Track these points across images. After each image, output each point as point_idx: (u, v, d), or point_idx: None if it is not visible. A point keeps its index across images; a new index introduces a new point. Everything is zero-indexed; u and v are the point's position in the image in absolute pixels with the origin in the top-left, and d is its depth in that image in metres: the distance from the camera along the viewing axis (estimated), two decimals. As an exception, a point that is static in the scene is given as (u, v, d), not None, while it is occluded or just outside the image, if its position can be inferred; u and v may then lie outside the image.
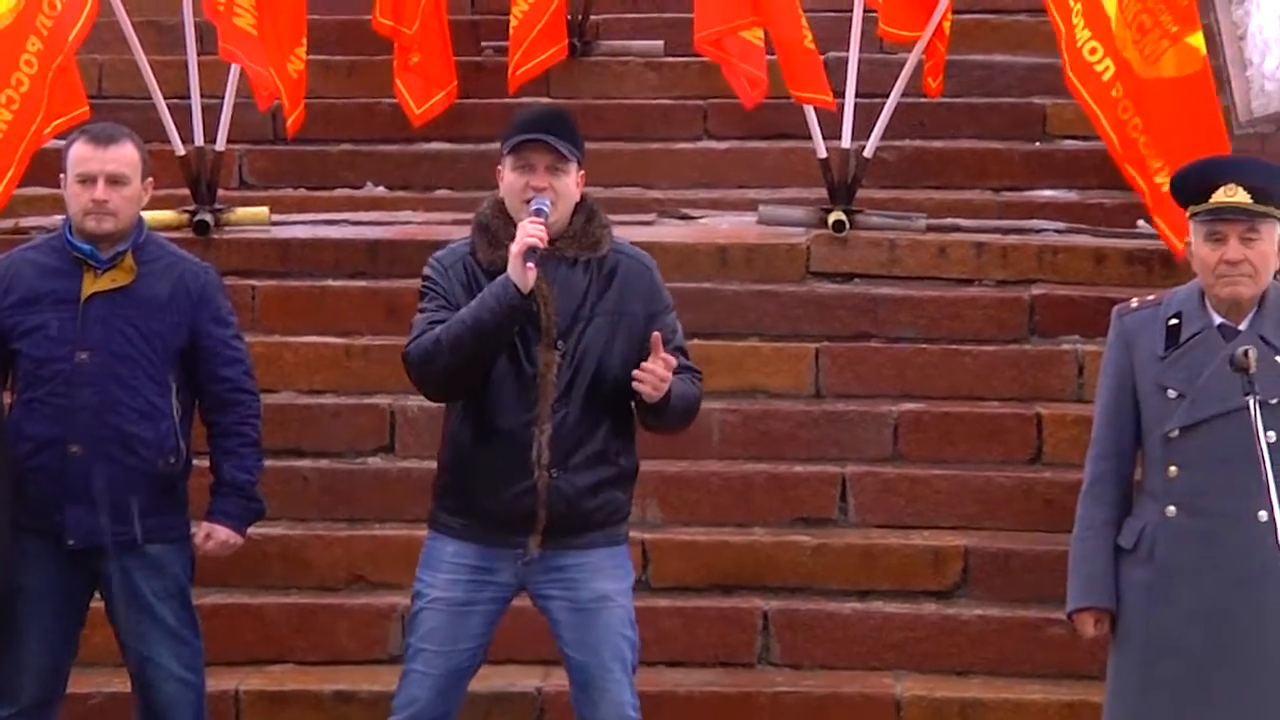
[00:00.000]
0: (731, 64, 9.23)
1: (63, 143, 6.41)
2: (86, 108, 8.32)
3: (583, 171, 5.85)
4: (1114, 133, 8.10)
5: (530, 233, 5.55)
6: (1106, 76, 8.07)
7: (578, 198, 5.81)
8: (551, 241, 5.65)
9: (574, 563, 5.78)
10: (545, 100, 10.54)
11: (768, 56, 9.39)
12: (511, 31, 9.88)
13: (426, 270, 5.87)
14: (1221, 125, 8.16)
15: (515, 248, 5.55)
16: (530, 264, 5.52)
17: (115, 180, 6.10)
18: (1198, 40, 8.05)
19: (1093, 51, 8.08)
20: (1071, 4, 8.10)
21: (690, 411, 5.86)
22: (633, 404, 5.78)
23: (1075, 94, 8.20)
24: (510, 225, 5.71)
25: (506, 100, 10.31)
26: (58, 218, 6.35)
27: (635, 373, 5.60)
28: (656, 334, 5.62)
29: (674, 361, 5.63)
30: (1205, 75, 8.08)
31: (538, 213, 5.62)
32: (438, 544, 5.86)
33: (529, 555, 5.75)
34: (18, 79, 7.99)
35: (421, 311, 5.79)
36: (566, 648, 5.84)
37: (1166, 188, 7.87)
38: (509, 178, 5.77)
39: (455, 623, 5.79)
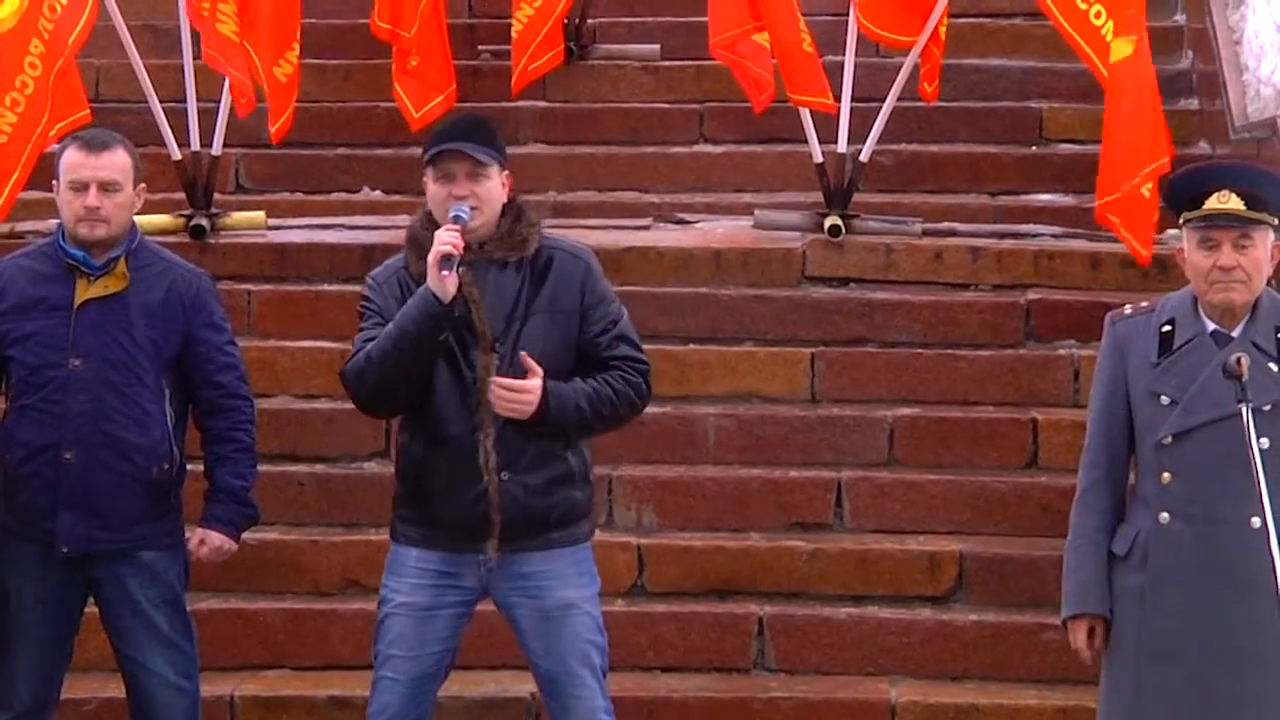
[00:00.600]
0: (744, 68, 9.22)
1: (57, 147, 6.42)
2: (87, 110, 8.33)
3: (507, 173, 5.85)
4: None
5: (444, 240, 5.59)
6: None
7: (504, 199, 5.82)
8: (481, 245, 5.70)
9: (537, 569, 5.79)
10: (542, 104, 10.56)
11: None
12: (515, 35, 9.84)
13: (363, 289, 5.94)
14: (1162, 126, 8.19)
15: (430, 256, 5.59)
16: (446, 271, 5.56)
17: (107, 187, 6.10)
18: (1124, 49, 8.06)
19: (1098, 16, 8.09)
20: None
21: (603, 415, 5.79)
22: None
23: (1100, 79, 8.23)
24: None
25: (504, 104, 10.32)
26: (54, 222, 6.35)
27: (490, 397, 5.63)
28: (523, 354, 5.65)
29: (516, 382, 5.62)
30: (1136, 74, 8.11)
31: (455, 220, 5.66)
32: (401, 550, 5.89)
33: (489, 560, 5.76)
34: (22, 81, 8.01)
35: (360, 331, 5.85)
36: (534, 656, 5.87)
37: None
38: (431, 189, 5.81)
39: (421, 627, 5.81)
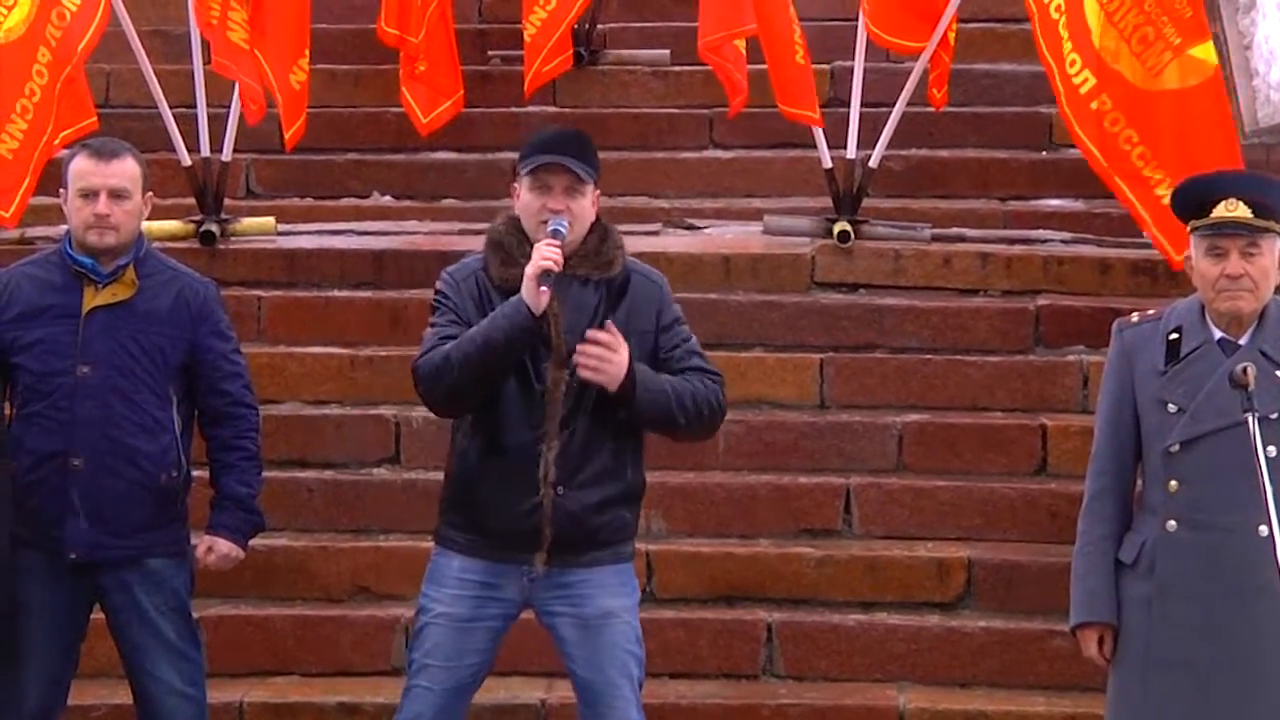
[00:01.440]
0: (727, 71, 9.22)
1: (65, 154, 6.43)
2: (95, 118, 8.34)
3: (599, 191, 5.85)
4: (1095, 146, 8.11)
5: (546, 255, 5.56)
6: (1085, 89, 8.08)
7: (593, 217, 5.81)
8: (565, 261, 5.65)
9: (579, 579, 5.78)
10: (552, 109, 10.55)
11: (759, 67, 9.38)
12: (528, 39, 9.83)
13: (439, 284, 5.88)
14: (1234, 137, 8.15)
15: (530, 270, 5.56)
16: (544, 287, 5.54)
17: (117, 194, 6.11)
18: (1205, 51, 8.03)
19: (1072, 64, 8.10)
20: (1055, 15, 8.12)
21: (687, 409, 5.74)
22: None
23: (1058, 103, 8.22)
24: (524, 243, 5.73)
25: (513, 109, 10.33)
26: (64, 228, 6.36)
27: (574, 358, 5.58)
28: (608, 323, 5.62)
29: (610, 337, 5.57)
30: (1214, 86, 8.07)
31: (554, 234, 5.63)
32: (444, 559, 5.87)
33: (535, 572, 5.76)
34: (31, 89, 8.03)
35: (432, 326, 5.80)
36: (573, 665, 5.84)
37: (1167, 200, 7.91)
38: (526, 198, 5.77)
39: (459, 639, 5.79)
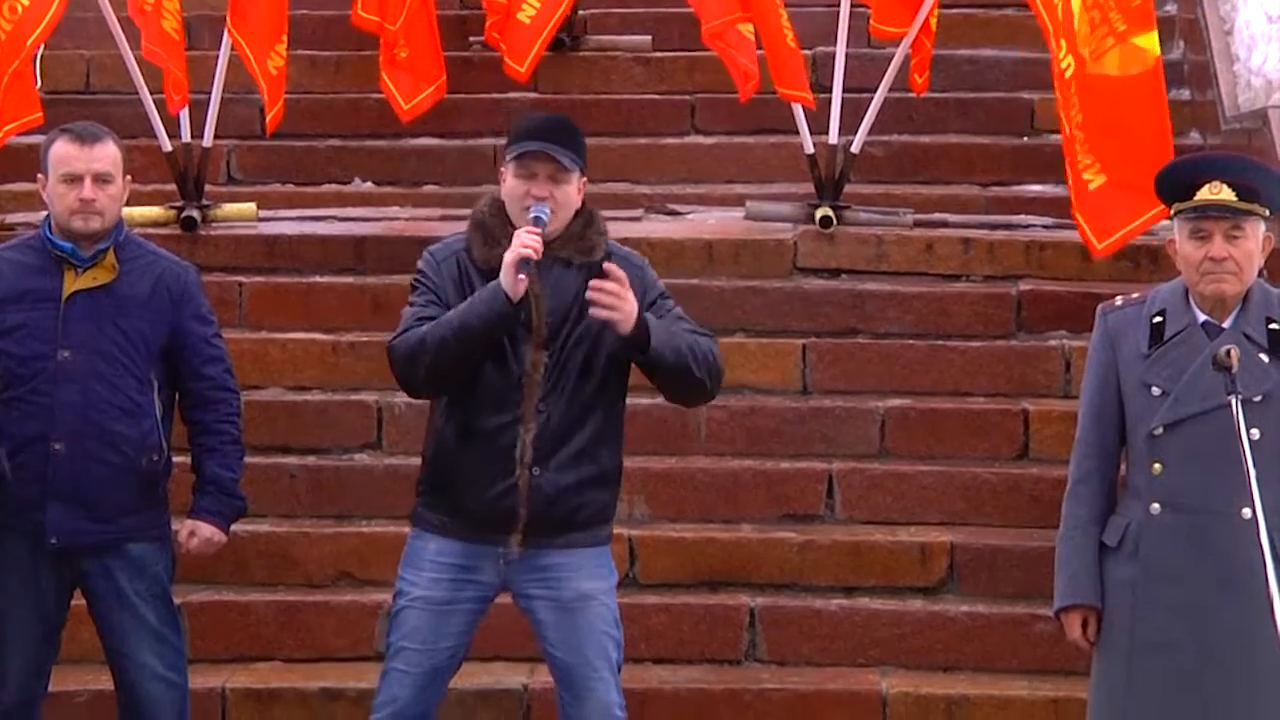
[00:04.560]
0: (733, 57, 9.21)
1: (39, 139, 6.39)
2: (40, 113, 8.31)
3: (585, 178, 5.85)
4: (1063, 127, 8.14)
5: (525, 243, 5.56)
6: (1069, 73, 8.08)
7: (578, 204, 5.81)
8: (547, 244, 5.66)
9: (556, 562, 5.78)
10: (533, 95, 10.53)
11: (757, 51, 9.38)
12: (527, 21, 9.72)
13: (419, 263, 5.88)
14: (1168, 129, 8.10)
15: (509, 256, 5.56)
16: (522, 275, 5.54)
17: (101, 179, 6.10)
18: (1148, 41, 8.02)
19: (1059, 45, 8.10)
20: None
21: (698, 359, 5.73)
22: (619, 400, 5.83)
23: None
24: (507, 225, 5.73)
25: (495, 95, 10.31)
26: (43, 214, 6.33)
27: (588, 295, 5.56)
28: (608, 265, 5.61)
29: (623, 274, 5.56)
30: (1152, 77, 8.05)
31: (535, 221, 5.64)
32: (420, 542, 5.87)
33: (511, 554, 5.76)
34: None
35: (410, 305, 5.81)
36: (550, 648, 5.84)
37: (1094, 185, 7.93)
38: (511, 183, 5.77)
39: (437, 622, 5.79)
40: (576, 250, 5.79)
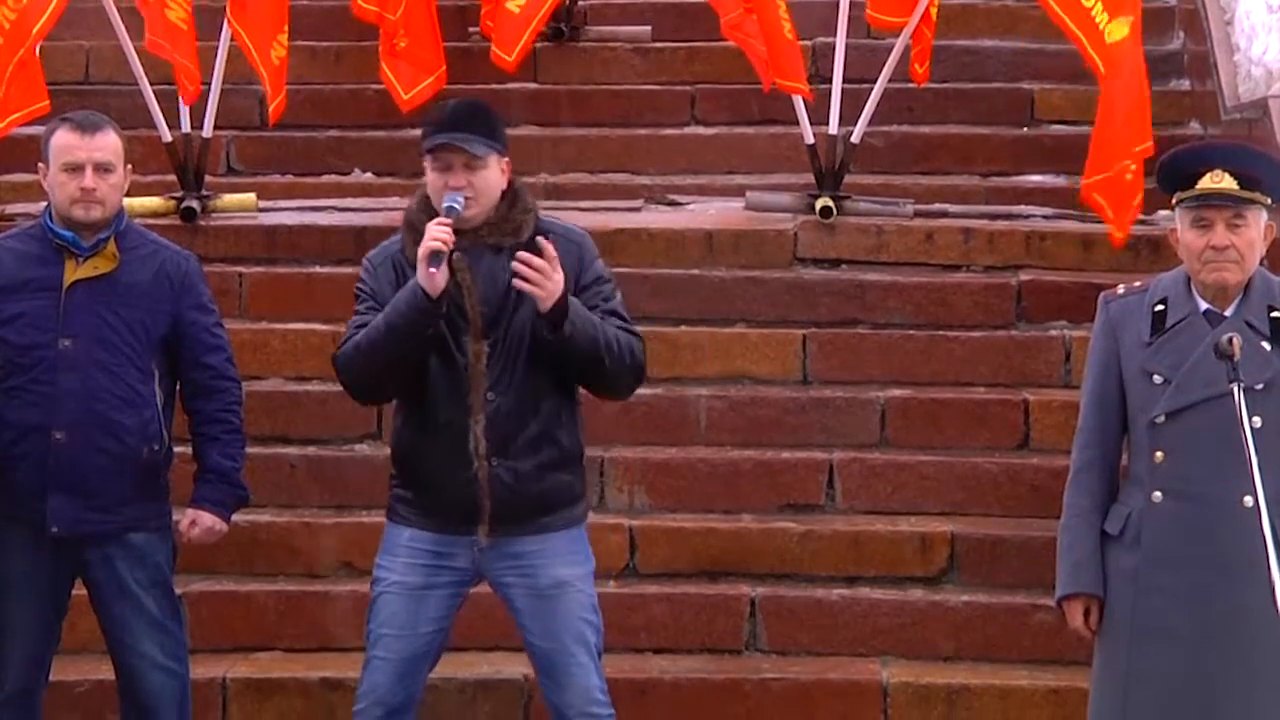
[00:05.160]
0: (752, 47, 9.20)
1: (39, 130, 6.38)
2: (46, 102, 8.30)
3: (507, 159, 5.83)
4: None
5: (434, 235, 5.56)
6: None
7: (503, 186, 5.80)
8: (474, 231, 5.68)
9: (530, 549, 5.79)
10: (533, 86, 10.54)
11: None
12: (516, 10, 9.69)
13: (360, 271, 5.91)
14: (1147, 115, 8.14)
15: (420, 251, 5.57)
16: (433, 269, 5.52)
17: (102, 168, 6.09)
18: (1122, 28, 8.03)
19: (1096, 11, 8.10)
20: None
21: (614, 352, 5.70)
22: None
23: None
24: None
25: (494, 86, 10.29)
26: (43, 204, 6.33)
27: (512, 265, 5.53)
28: (541, 240, 5.57)
29: (553, 253, 5.54)
30: (1131, 60, 8.07)
31: (448, 212, 5.64)
32: (394, 530, 5.90)
33: (481, 543, 5.77)
34: None
35: (355, 314, 5.84)
36: (529, 635, 5.86)
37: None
38: (430, 177, 5.79)
39: (414, 607, 5.81)
40: (503, 234, 5.77)
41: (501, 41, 9.54)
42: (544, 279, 5.54)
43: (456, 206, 5.65)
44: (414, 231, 5.77)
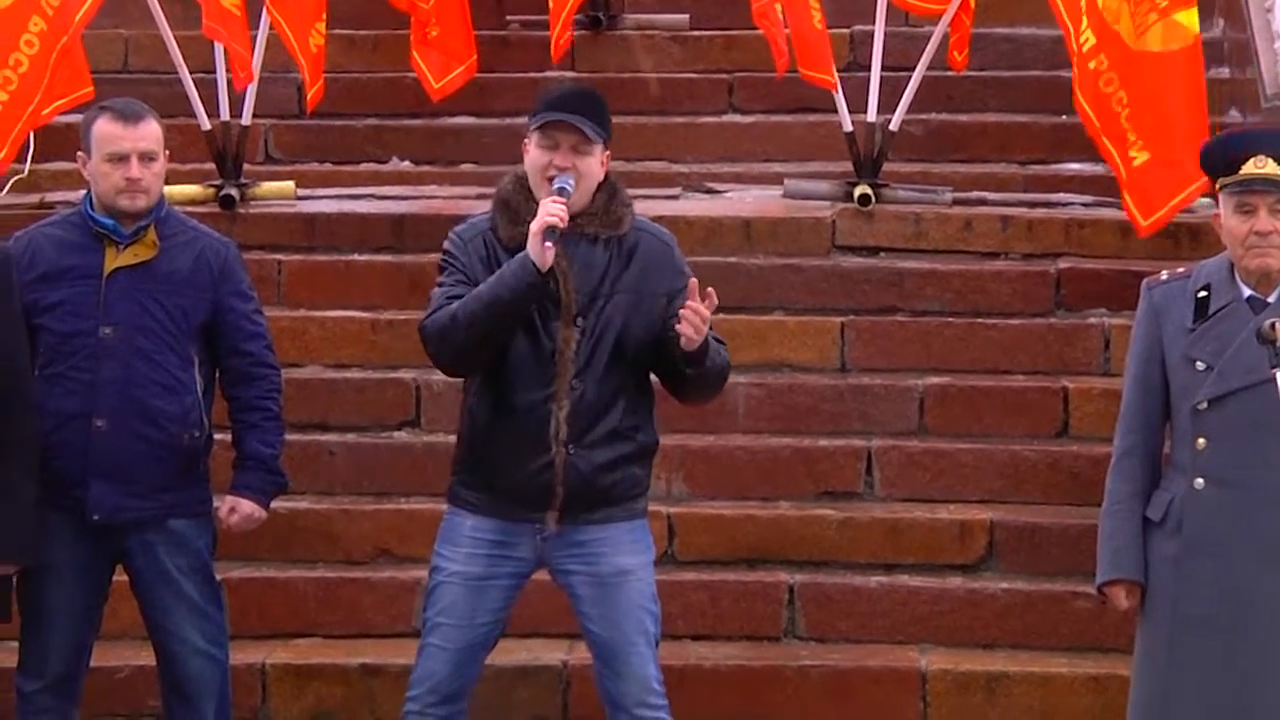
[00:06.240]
0: (773, 35, 9.19)
1: (77, 118, 6.39)
2: (90, 88, 8.30)
3: (608, 151, 5.83)
4: (1090, 107, 8.18)
5: (551, 212, 5.56)
6: (1086, 48, 8.12)
7: (601, 176, 5.80)
8: (573, 219, 5.65)
9: (593, 538, 5.79)
10: (571, 74, 10.52)
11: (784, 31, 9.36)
12: (552, 3, 9.73)
13: (446, 244, 5.88)
14: (1204, 107, 8.20)
15: (535, 226, 5.56)
16: (549, 243, 5.53)
17: (146, 157, 6.10)
18: (1189, 17, 8.10)
19: (1076, 20, 8.11)
20: None
21: (722, 374, 5.84)
22: (659, 373, 5.83)
23: (1071, 64, 8.24)
24: (531, 201, 5.72)
25: (532, 74, 10.30)
26: (83, 192, 6.34)
27: (681, 311, 5.56)
28: (693, 280, 5.62)
29: (714, 302, 5.59)
30: (1193, 53, 8.10)
31: (560, 191, 5.63)
32: (456, 519, 5.87)
33: (547, 531, 5.76)
34: (16, 59, 7.95)
35: (439, 285, 5.81)
36: (588, 623, 5.84)
37: (1138, 162, 7.94)
38: (533, 154, 5.77)
39: (473, 597, 5.79)
40: (602, 224, 5.78)
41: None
42: (704, 327, 5.57)
43: (568, 187, 5.65)
44: (508, 210, 5.77)
